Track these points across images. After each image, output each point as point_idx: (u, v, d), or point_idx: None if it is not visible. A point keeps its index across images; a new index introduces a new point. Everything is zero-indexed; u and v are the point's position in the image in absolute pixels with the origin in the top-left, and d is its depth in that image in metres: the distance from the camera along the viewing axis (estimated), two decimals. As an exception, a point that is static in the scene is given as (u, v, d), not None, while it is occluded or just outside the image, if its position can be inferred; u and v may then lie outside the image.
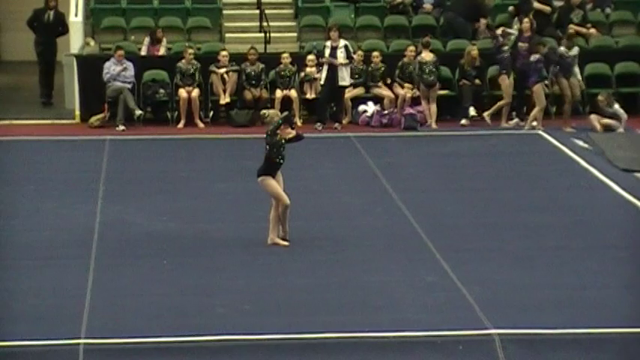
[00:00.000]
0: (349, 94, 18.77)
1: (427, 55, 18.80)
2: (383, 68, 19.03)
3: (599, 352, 8.52)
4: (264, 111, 12.36)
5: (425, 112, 18.53)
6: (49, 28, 19.85)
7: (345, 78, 18.30)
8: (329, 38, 18.52)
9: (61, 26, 19.96)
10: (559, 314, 9.14)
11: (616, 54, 19.98)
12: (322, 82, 18.38)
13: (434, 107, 18.56)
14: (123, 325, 9.02)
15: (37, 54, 19.89)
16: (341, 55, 18.25)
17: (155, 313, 9.33)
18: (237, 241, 11.65)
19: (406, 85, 18.80)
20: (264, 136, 11.48)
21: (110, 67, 18.57)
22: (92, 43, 19.83)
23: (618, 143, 16.62)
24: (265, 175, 11.42)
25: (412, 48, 19.01)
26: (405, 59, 18.95)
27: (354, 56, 18.45)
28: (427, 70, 18.56)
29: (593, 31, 20.47)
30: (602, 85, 18.65)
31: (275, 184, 11.37)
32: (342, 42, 18.37)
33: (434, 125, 18.25)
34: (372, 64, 19.09)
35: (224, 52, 18.86)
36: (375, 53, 19.17)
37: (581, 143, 16.69)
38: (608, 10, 21.25)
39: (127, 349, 8.58)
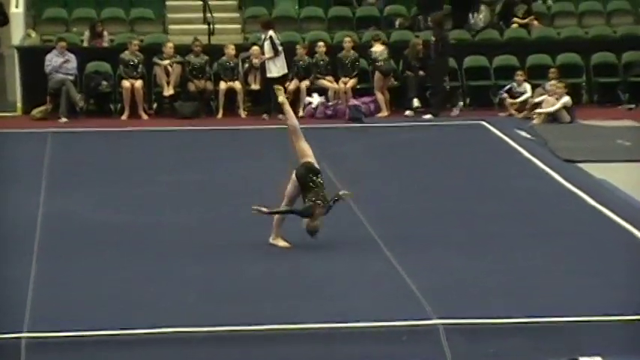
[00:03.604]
0: (294, 86, 18.75)
1: (378, 47, 18.90)
2: (327, 59, 19.08)
3: (544, 340, 8.58)
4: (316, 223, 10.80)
5: (380, 103, 18.67)
6: (-12, 19, 19.67)
7: (271, 69, 18.27)
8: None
9: (1, 16, 19.76)
10: (504, 303, 9.19)
11: (558, 45, 20.18)
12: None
13: (387, 96, 18.71)
14: (67, 317, 8.93)
15: (-23, 46, 19.74)
16: (266, 46, 18.23)
17: (101, 305, 9.26)
18: (183, 231, 11.60)
19: (343, 78, 18.87)
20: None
21: (52, 59, 18.42)
22: (33, 34, 19.66)
23: (561, 134, 16.78)
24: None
25: (349, 39, 19.07)
26: (344, 52, 19.01)
27: (280, 48, 18.36)
28: (382, 60, 18.71)
29: (535, 22, 20.68)
30: (545, 76, 18.81)
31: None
32: (269, 33, 18.33)
33: (386, 113, 18.42)
34: (317, 55, 19.11)
35: (169, 44, 18.77)
36: (320, 43, 19.19)
37: (524, 134, 16.83)
38: (549, 2, 21.46)
39: (70, 342, 8.50)
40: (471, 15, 20.44)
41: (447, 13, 20.19)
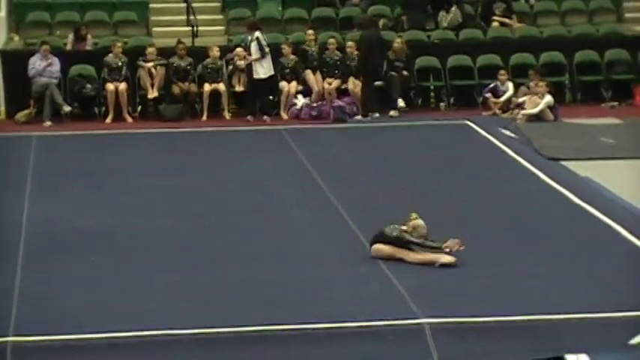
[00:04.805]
0: (286, 88, 18.74)
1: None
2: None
3: (530, 338, 8.61)
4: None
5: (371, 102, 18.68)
6: (-29, 24, 19.60)
7: (258, 71, 18.29)
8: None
9: (-16, 21, 19.71)
10: (490, 303, 9.22)
11: (541, 44, 20.24)
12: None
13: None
14: (53, 321, 8.92)
15: (-40, 50, 19.64)
16: (253, 48, 18.24)
17: (85, 310, 9.25)
18: (168, 236, 11.58)
19: (328, 79, 18.88)
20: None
21: (35, 63, 18.38)
22: (16, 38, 19.60)
23: (545, 132, 16.82)
24: None
25: (333, 40, 19.09)
26: (328, 52, 19.03)
27: (267, 49, 18.38)
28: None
29: (515, 22, 20.75)
30: (527, 75, 18.84)
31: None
32: (255, 34, 18.34)
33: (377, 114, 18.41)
34: (307, 44, 19.14)
35: (150, 49, 18.75)
36: (310, 32, 19.20)
37: (508, 133, 16.86)
38: (532, 1, 21.53)
39: (56, 346, 8.50)
40: (441, 14, 20.53)
41: (403, 14, 20.38)
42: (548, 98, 17.94)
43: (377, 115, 18.35)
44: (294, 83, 18.83)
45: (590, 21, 21.22)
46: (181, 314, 9.05)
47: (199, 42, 19.88)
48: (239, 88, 18.91)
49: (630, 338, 8.55)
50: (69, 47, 19.39)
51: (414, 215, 10.59)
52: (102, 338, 8.56)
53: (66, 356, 8.42)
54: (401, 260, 10.27)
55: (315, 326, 8.69)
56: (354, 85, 18.73)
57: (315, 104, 18.79)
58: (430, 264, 10.22)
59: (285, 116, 18.64)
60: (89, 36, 19.46)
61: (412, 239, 10.40)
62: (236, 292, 9.67)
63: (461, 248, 10.26)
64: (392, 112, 18.64)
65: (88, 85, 18.78)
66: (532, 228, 11.69)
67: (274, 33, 20.01)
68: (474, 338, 8.57)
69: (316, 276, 10.09)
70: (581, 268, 10.18)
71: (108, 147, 16.48)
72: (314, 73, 18.94)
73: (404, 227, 10.49)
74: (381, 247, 10.45)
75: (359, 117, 18.40)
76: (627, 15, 21.26)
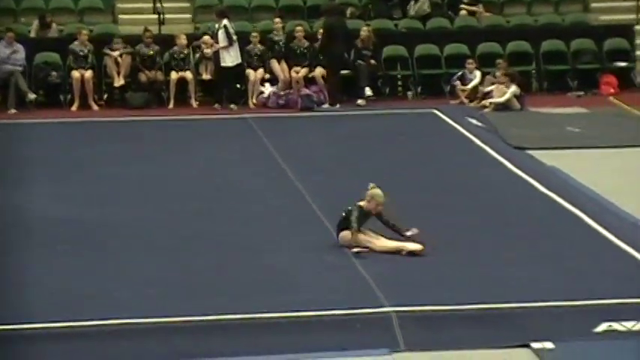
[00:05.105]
0: (252, 76, 18.70)
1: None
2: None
3: (496, 326, 8.64)
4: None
5: (336, 91, 18.69)
6: None
7: (226, 59, 18.27)
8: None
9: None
10: (456, 291, 9.24)
11: (508, 33, 20.32)
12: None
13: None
14: (19, 310, 8.87)
15: None
16: (221, 36, 18.22)
17: (52, 299, 9.20)
18: (135, 224, 11.54)
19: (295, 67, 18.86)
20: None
21: (0, 50, 18.24)
22: (-19, 25, 19.45)
23: (511, 121, 16.89)
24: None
25: (300, 28, 19.07)
26: (296, 41, 19.01)
27: (234, 37, 18.35)
28: None
29: (482, 10, 20.81)
30: (494, 64, 18.89)
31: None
32: (223, 22, 18.32)
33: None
34: (274, 33, 19.13)
35: (118, 39, 18.67)
36: (277, 22, 19.18)
37: (475, 122, 16.92)
38: (499, -10, 21.60)
39: (23, 335, 8.44)
40: (410, 3, 20.55)
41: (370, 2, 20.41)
42: (515, 87, 18.01)
43: (337, 106, 18.35)
44: (260, 71, 18.80)
45: (556, 11, 21.30)
46: (147, 303, 9.02)
47: (166, 30, 19.80)
48: (206, 77, 18.85)
49: (595, 326, 8.60)
50: (33, 35, 19.26)
51: (371, 185, 10.56)
52: (68, 327, 8.51)
53: (32, 346, 8.36)
54: (367, 248, 10.27)
55: (281, 315, 8.68)
56: (321, 73, 18.72)
57: (282, 93, 18.77)
58: (397, 252, 10.23)
59: (252, 105, 18.61)
60: (54, 24, 19.33)
61: (353, 217, 10.25)
62: (201, 281, 9.64)
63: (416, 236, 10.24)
64: (359, 101, 18.65)
65: (54, 73, 18.67)
66: (498, 216, 11.73)
67: (242, 21, 19.95)
68: (441, 326, 8.59)
69: (283, 264, 10.08)
70: (547, 257, 10.23)
71: (73, 135, 16.39)
72: (279, 62, 18.91)
73: (361, 202, 10.47)
74: (345, 235, 10.44)
75: (326, 105, 18.40)
76: (593, 5, 21.36)
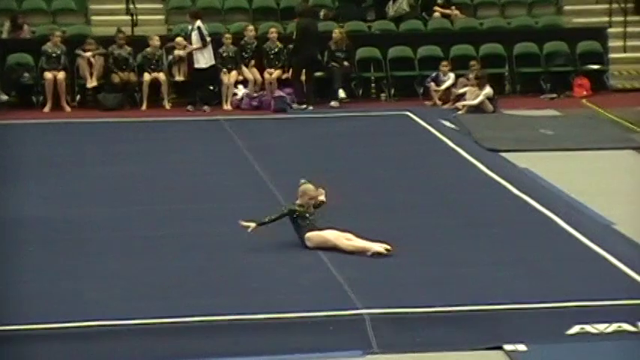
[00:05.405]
0: (227, 78, 18.66)
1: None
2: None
3: (469, 328, 8.65)
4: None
5: (308, 93, 18.70)
6: None
7: (199, 60, 18.26)
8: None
9: None
10: (430, 292, 9.25)
11: (481, 35, 20.36)
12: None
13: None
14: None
15: None
16: (194, 37, 18.22)
17: (23, 300, 9.15)
18: (107, 225, 11.49)
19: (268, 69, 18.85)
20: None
21: (-28, 51, 18.14)
22: (-48, 26, 19.33)
23: (484, 124, 16.93)
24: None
25: (273, 30, 19.07)
26: (269, 42, 19.00)
27: (208, 38, 18.33)
28: None
29: (457, 13, 20.84)
30: (468, 67, 18.94)
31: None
32: (197, 23, 18.32)
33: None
34: (246, 39, 19.10)
35: (91, 40, 18.61)
36: (250, 27, 19.14)
37: (448, 124, 16.95)
38: (472, -8, 21.65)
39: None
40: (389, 4, 20.56)
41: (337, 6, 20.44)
42: (488, 90, 18.06)
43: (304, 106, 18.33)
44: (234, 73, 18.77)
45: (529, 13, 21.37)
46: (121, 304, 8.98)
47: (139, 31, 19.74)
48: (179, 78, 18.81)
49: (568, 329, 8.63)
50: (5, 36, 19.16)
51: (302, 181, 10.64)
52: (40, 329, 8.46)
53: (6, 347, 8.31)
54: (335, 248, 10.27)
55: (254, 316, 8.67)
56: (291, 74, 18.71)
57: (255, 94, 18.75)
58: (362, 252, 10.23)
59: (226, 107, 18.58)
60: (26, 25, 19.24)
61: (276, 215, 10.44)
62: (175, 282, 9.62)
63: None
64: (333, 103, 18.65)
65: (26, 74, 18.58)
66: (470, 218, 11.75)
67: (215, 23, 19.92)
68: (413, 328, 8.60)
69: (256, 266, 10.07)
70: (519, 259, 10.25)
71: (46, 136, 16.31)
72: (247, 65, 18.88)
73: (297, 202, 10.56)
74: (312, 236, 10.45)
75: (296, 105, 18.37)
76: (566, 7, 21.45)
